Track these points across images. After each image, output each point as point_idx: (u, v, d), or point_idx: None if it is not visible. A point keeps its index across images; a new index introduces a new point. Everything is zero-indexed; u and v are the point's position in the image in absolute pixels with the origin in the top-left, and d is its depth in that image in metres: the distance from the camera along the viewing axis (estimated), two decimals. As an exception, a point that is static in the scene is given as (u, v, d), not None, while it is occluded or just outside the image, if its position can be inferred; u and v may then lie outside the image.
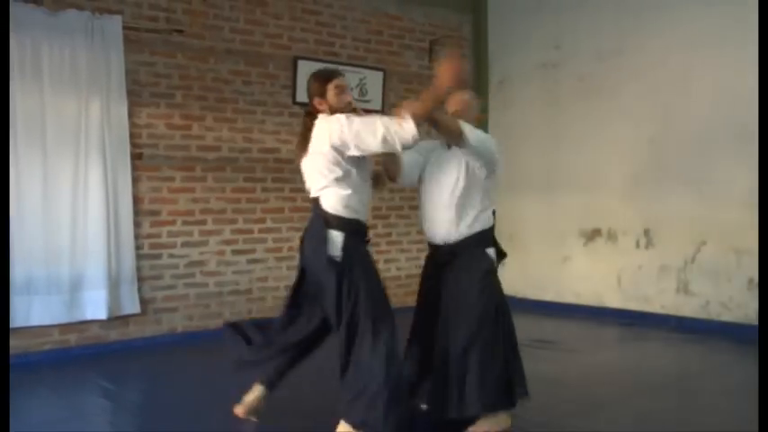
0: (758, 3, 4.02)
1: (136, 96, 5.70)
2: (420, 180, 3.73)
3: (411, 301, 7.20)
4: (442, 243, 3.64)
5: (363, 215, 3.50)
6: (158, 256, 5.85)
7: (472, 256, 3.56)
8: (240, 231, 6.30)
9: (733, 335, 5.78)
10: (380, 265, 7.12)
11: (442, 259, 3.65)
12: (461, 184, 3.53)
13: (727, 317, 5.98)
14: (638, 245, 6.58)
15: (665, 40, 6.38)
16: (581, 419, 3.77)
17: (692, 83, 6.20)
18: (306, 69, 6.55)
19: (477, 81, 7.97)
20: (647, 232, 6.52)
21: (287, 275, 6.55)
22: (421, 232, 7.46)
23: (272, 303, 6.45)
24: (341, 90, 3.44)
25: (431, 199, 3.65)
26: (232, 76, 6.20)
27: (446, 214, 3.58)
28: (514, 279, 7.49)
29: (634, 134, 6.58)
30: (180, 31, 5.89)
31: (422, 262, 7.62)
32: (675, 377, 4.77)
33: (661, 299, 6.41)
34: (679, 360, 5.37)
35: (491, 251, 3.62)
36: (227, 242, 6.22)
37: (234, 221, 6.26)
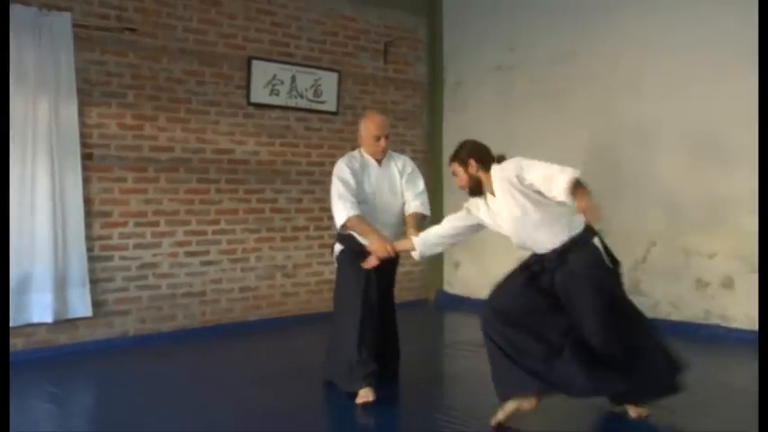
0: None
1: (86, 96, 5.64)
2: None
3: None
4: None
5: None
6: (110, 258, 5.79)
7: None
8: (193, 233, 6.27)
9: (682, 334, 5.91)
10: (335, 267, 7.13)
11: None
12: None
13: (676, 316, 6.13)
14: (590, 246, 6.69)
15: (617, 43, 6.51)
16: (533, 419, 3.83)
17: (644, 85, 6.35)
18: (260, 70, 6.57)
19: (432, 83, 8.04)
20: (599, 233, 6.63)
21: (241, 277, 6.54)
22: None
23: (226, 305, 6.44)
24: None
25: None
26: (185, 76, 6.17)
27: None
28: (471, 280, 7.58)
29: (587, 136, 6.70)
30: (132, 30, 5.84)
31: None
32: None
33: (613, 299, 6.53)
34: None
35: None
36: (181, 244, 6.19)
37: (187, 223, 6.22)
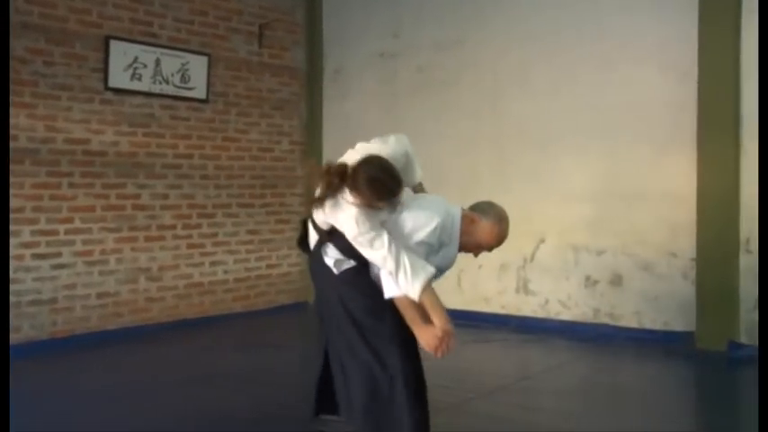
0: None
1: None
2: None
3: (239, 306, 7.04)
4: None
5: None
6: (-60, 263, 5.28)
7: None
8: (42, 233, 5.80)
9: (571, 333, 5.99)
10: (206, 269, 6.86)
11: None
12: None
13: (565, 315, 6.19)
14: (477, 243, 6.68)
15: (505, 33, 6.51)
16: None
17: (531, 76, 6.37)
18: (119, 51, 6.17)
19: (311, 70, 7.84)
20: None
21: (98, 282, 6.13)
22: (251, 232, 7.20)
23: (81, 314, 6.01)
24: None
25: None
26: (30, 55, 5.69)
27: None
28: (352, 281, 7.44)
29: (474, 127, 6.68)
30: (-36, 0, 5.33)
31: (251, 264, 7.36)
32: (516, 378, 4.88)
33: (501, 299, 6.55)
34: (520, 361, 5.50)
35: None
36: (27, 245, 5.71)
37: (35, 222, 5.76)
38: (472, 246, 3.23)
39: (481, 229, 3.20)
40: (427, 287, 2.98)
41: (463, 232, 3.18)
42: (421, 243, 3.06)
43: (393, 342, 3.08)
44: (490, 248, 3.27)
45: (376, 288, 3.09)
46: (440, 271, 3.18)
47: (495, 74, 6.59)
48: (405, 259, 2.96)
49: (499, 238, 3.25)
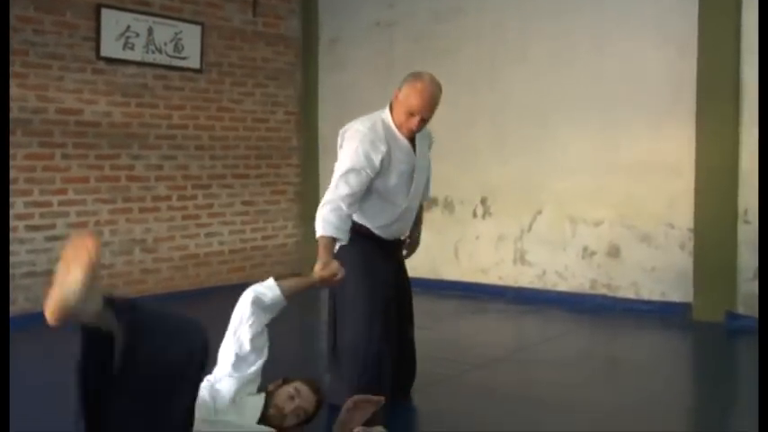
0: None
1: None
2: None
3: (235, 278, 7.04)
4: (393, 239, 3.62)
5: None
6: (-67, 235, 5.26)
7: None
8: (36, 204, 5.79)
9: (568, 304, 6.01)
10: (201, 240, 6.86)
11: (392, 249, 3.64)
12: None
13: (562, 286, 6.21)
14: (475, 214, 6.68)
15: (504, 2, 6.46)
16: (418, 396, 3.77)
17: (530, 49, 6.32)
18: (111, 19, 6.12)
19: (306, 39, 7.77)
20: (484, 201, 6.64)
21: (93, 254, 6.11)
22: (246, 203, 7.17)
23: (75, 286, 6.01)
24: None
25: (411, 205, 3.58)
26: (19, 24, 5.62)
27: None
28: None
29: (472, 99, 6.64)
30: (-46, -32, 5.27)
31: (247, 235, 7.31)
32: (513, 350, 4.90)
33: (498, 270, 6.56)
34: (517, 332, 5.53)
35: None
36: (21, 217, 5.70)
37: (28, 193, 5.74)
38: (404, 118, 3.23)
39: (403, 95, 3.22)
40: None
41: (393, 111, 3.26)
42: (349, 171, 3.16)
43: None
44: (421, 111, 3.23)
45: None
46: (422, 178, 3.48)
47: (494, 45, 6.54)
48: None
49: (422, 96, 3.22)
